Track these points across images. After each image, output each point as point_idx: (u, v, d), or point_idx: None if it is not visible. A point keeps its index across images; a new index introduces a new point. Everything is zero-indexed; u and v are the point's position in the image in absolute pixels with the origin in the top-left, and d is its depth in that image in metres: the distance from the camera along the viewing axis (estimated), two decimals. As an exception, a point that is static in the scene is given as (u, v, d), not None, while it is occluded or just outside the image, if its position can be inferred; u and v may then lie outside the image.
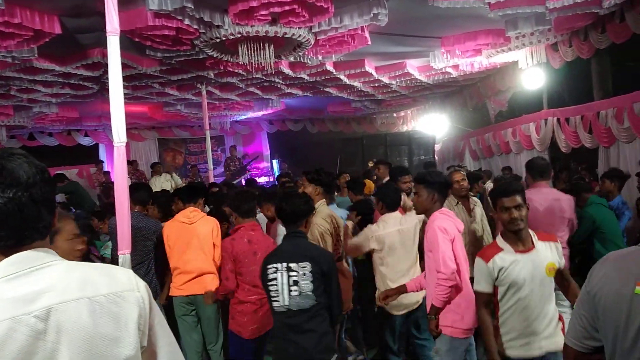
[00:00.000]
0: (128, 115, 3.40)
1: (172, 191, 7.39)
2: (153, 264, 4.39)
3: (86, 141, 13.54)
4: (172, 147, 15.52)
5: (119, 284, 1.23)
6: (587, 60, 7.84)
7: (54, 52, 6.43)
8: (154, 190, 9.24)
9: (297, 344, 2.80)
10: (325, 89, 10.14)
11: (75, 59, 6.68)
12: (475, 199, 4.77)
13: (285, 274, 2.83)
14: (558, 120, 8.56)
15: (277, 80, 8.98)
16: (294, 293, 2.81)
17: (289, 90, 10.09)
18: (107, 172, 12.18)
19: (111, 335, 1.17)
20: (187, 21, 5.17)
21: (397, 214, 3.96)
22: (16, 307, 1.08)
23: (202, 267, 4.10)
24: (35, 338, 1.08)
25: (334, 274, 2.91)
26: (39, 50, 5.86)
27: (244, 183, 11.46)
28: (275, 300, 2.84)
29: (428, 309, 3.23)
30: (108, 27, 3.06)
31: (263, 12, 5.05)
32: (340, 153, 13.94)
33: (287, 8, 5.01)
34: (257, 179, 12.97)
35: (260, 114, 13.16)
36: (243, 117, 13.58)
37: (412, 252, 3.95)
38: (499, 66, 9.11)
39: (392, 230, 3.86)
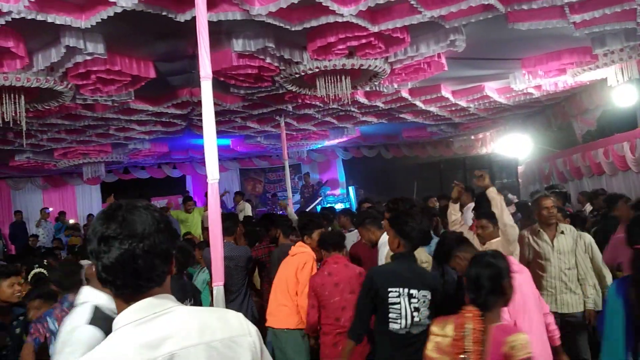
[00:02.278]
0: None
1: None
2: (249, 292, 4.53)
3: (175, 173, 14.37)
4: (252, 177, 16.11)
5: (233, 329, 1.29)
6: (687, 74, 7.25)
7: (147, 94, 6.97)
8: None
9: None
10: (400, 115, 10.13)
11: (167, 99, 7.20)
12: (566, 227, 4.35)
13: (407, 300, 2.88)
14: (656, 138, 7.95)
15: (352, 109, 9.11)
16: (415, 319, 2.87)
17: (364, 118, 10.18)
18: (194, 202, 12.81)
19: None
20: (268, 60, 5.44)
21: None
22: (143, 352, 1.17)
23: (280, 299, 4.18)
24: None
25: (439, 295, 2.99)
26: (135, 93, 6.37)
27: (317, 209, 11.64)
28: (395, 322, 2.88)
29: None
30: (202, 73, 3.28)
31: (340, 47, 5.19)
32: (417, 178, 13.71)
33: (363, 41, 5.11)
34: (334, 205, 13.08)
35: (335, 142, 13.35)
36: (319, 145, 13.85)
37: None
38: (587, 84, 8.66)
39: None
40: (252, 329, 1.33)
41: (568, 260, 4.18)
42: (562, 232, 4.25)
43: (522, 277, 3.06)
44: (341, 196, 15.55)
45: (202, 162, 13.65)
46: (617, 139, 9.04)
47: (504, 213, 3.58)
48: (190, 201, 9.94)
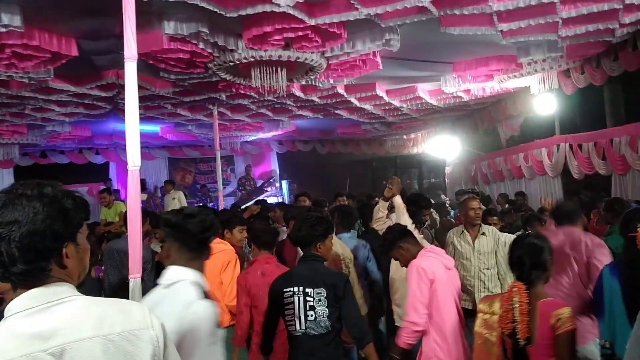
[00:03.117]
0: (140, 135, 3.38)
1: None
2: None
3: (97, 159, 13.64)
4: (182, 167, 15.61)
5: (134, 322, 1.23)
6: (600, 87, 7.82)
7: (69, 73, 6.53)
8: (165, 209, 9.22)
9: None
10: (335, 111, 10.19)
11: (90, 79, 6.78)
12: (489, 228, 4.50)
13: (302, 299, 2.84)
14: (570, 146, 8.51)
15: (288, 102, 9.04)
16: (310, 318, 2.82)
17: (299, 112, 10.15)
18: (117, 191, 12.22)
19: None
20: (201, 45, 5.24)
21: None
22: (32, 343, 1.10)
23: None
24: None
25: (349, 298, 2.91)
26: (55, 71, 5.94)
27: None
28: (291, 324, 2.85)
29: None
30: (126, 54, 3.08)
31: (277, 37, 5.11)
32: (350, 175, 13.91)
33: (300, 33, 5.06)
34: (267, 199, 12.97)
35: (270, 134, 13.24)
36: (253, 137, 13.68)
37: None
38: (512, 91, 9.11)
39: None
40: (156, 323, 1.26)
41: (487, 261, 4.35)
42: (484, 234, 4.41)
43: (453, 273, 3.20)
44: (274, 190, 15.46)
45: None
46: (537, 145, 9.62)
47: (401, 219, 3.82)
48: (105, 193, 8.71)
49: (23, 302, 1.15)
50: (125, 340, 1.18)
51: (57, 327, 1.13)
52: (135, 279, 3.20)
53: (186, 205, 9.83)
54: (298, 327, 2.82)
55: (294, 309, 2.84)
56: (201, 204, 12.58)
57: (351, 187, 13.05)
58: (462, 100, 9.48)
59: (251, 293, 3.61)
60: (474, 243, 4.38)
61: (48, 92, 7.00)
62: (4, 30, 4.57)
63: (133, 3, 3.20)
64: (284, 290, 2.88)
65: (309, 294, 2.84)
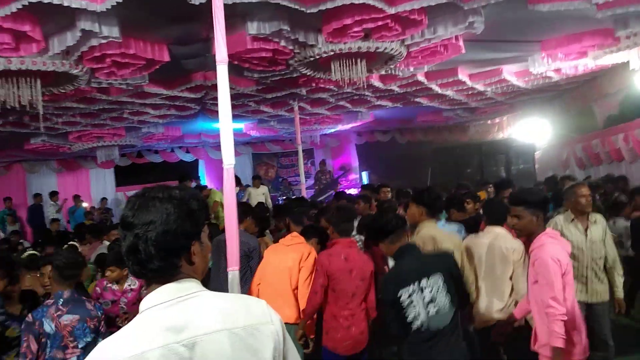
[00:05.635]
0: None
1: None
2: (248, 282, 4.49)
3: (187, 157, 14.42)
4: (265, 161, 16.11)
5: (255, 317, 1.27)
6: None
7: (161, 78, 6.95)
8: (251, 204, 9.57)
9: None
10: (415, 99, 10.01)
11: (180, 82, 7.17)
12: (597, 216, 4.21)
13: (419, 294, 2.73)
14: (679, 123, 7.76)
15: (367, 93, 9.02)
16: (431, 312, 2.71)
17: (378, 103, 10.08)
18: (204, 187, 12.77)
19: None
20: (283, 43, 5.37)
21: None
22: (167, 335, 1.17)
23: (282, 292, 4.07)
24: None
25: (458, 272, 2.89)
26: (149, 76, 6.35)
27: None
28: (414, 323, 2.73)
29: (535, 344, 2.99)
30: (217, 57, 3.24)
31: (356, 29, 5.11)
32: (432, 164, 13.57)
33: (380, 23, 5.02)
34: (346, 190, 13.05)
35: (349, 126, 13.27)
36: (332, 130, 13.79)
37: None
38: (608, 67, 8.46)
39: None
40: (275, 317, 1.31)
41: (599, 250, 4.09)
42: (595, 222, 4.14)
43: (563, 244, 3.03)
44: (354, 181, 15.51)
45: (214, 146, 13.71)
46: (638, 124, 8.85)
47: None
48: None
49: (159, 296, 1.23)
50: (249, 335, 1.23)
51: (188, 320, 1.20)
52: (233, 272, 3.37)
53: (270, 200, 10.17)
54: (420, 325, 2.71)
55: (416, 307, 2.72)
56: (285, 197, 12.93)
57: (433, 176, 12.77)
58: (552, 80, 8.95)
59: (332, 277, 3.65)
60: (586, 232, 4.11)
61: (143, 96, 7.50)
62: (104, 41, 4.96)
63: (222, 9, 3.35)
64: (399, 292, 2.74)
65: (424, 286, 2.73)
